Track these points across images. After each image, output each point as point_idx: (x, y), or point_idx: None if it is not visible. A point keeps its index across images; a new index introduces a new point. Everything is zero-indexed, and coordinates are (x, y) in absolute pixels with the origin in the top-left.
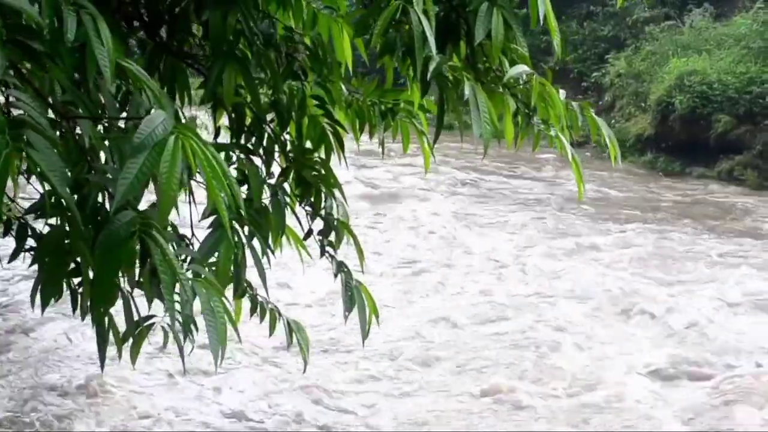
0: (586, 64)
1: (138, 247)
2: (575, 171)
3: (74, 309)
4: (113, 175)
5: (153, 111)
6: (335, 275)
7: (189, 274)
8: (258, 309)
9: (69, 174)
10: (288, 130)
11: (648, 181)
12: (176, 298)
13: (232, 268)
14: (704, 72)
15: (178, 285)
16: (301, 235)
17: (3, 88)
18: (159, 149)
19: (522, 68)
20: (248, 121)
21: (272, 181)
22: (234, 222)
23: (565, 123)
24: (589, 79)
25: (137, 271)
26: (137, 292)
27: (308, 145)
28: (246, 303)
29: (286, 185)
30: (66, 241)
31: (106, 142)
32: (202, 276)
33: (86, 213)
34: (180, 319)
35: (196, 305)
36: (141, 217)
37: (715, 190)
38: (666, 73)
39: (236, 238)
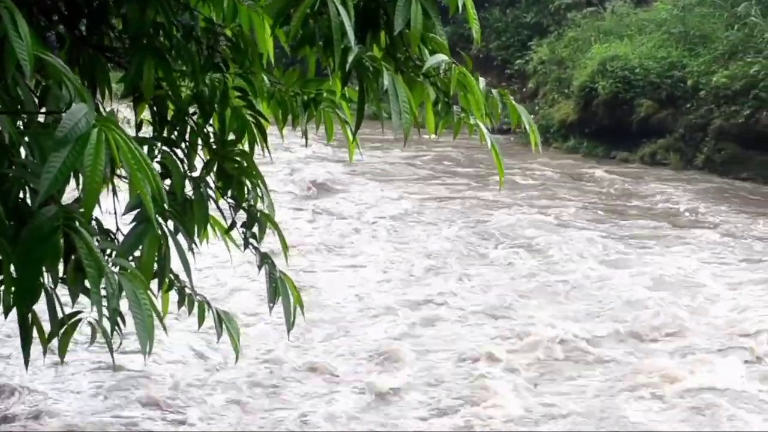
0: (509, 52)
1: (62, 242)
2: (495, 158)
3: None
4: (34, 170)
5: (74, 105)
6: (259, 267)
7: (114, 268)
8: (186, 301)
9: None
10: (211, 122)
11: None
12: (102, 292)
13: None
14: (626, 57)
15: (103, 279)
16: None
17: None
18: (82, 143)
19: (440, 57)
20: (170, 114)
21: (195, 174)
22: (157, 215)
23: (485, 111)
24: (513, 66)
25: (61, 267)
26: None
27: (231, 137)
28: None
29: (209, 178)
30: None
31: (26, 138)
32: (127, 269)
33: (8, 209)
34: (107, 313)
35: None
36: (64, 212)
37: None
38: (588, 59)
39: (159, 232)
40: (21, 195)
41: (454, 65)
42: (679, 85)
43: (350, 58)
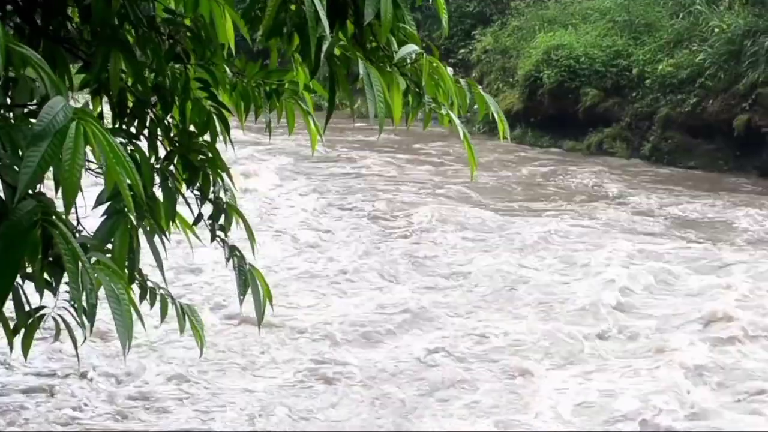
0: (452, 41)
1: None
2: (467, 149)
3: None
4: (7, 163)
5: (54, 98)
6: (227, 260)
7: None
8: (148, 295)
9: None
10: (171, 113)
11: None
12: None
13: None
14: (571, 46)
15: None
16: (190, 219)
17: None
18: (61, 136)
19: (412, 47)
20: (129, 105)
21: (157, 166)
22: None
23: (456, 101)
24: (456, 55)
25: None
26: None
27: (192, 128)
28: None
29: (172, 169)
30: None
31: None
32: (104, 263)
33: None
34: (86, 308)
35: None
36: (42, 206)
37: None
38: (533, 48)
39: (132, 224)
40: None
41: (424, 55)
42: (624, 74)
43: (325, 47)
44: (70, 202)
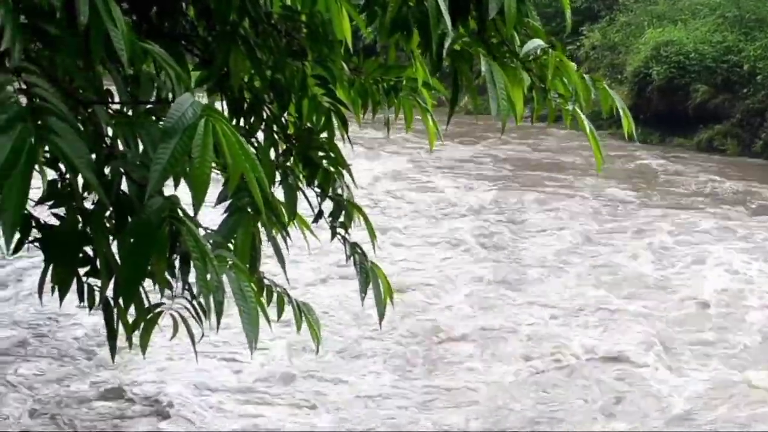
0: (560, 37)
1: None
2: (593, 144)
3: (81, 299)
4: (134, 160)
5: (182, 95)
6: (348, 257)
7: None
8: (264, 292)
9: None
10: (287, 110)
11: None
12: None
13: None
14: (680, 42)
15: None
16: (305, 216)
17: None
18: (190, 133)
19: (537, 42)
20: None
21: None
22: (249, 206)
23: (581, 96)
24: (564, 52)
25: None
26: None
27: (308, 125)
28: None
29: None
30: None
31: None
32: (229, 260)
33: (111, 200)
34: (213, 304)
35: None
36: (170, 203)
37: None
38: (642, 44)
39: (258, 221)
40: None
41: (551, 50)
42: (735, 70)
43: (447, 43)
44: (200, 199)
